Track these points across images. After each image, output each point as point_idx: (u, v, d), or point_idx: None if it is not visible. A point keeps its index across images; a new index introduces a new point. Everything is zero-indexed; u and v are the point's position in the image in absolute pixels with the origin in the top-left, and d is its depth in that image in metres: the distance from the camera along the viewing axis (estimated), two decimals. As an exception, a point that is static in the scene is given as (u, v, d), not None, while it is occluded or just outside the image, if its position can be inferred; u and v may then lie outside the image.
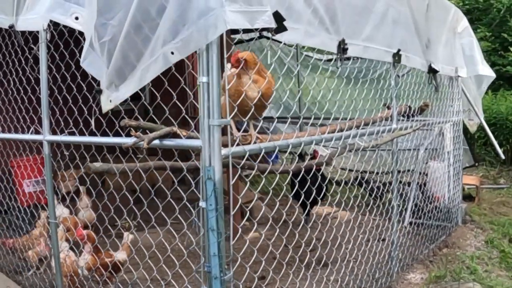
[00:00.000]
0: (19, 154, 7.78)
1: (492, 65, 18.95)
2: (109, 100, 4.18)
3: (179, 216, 4.55)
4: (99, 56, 4.08)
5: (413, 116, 7.59)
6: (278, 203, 5.07)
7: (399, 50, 6.24)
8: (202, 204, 3.62)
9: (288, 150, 5.94)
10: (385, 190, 8.97)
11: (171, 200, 4.40)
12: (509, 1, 19.87)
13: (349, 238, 6.39)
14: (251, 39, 8.79)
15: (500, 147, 15.18)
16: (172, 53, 3.59)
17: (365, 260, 6.63)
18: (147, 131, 4.24)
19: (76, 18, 4.47)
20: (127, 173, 4.58)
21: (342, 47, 5.01)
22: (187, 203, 4.33)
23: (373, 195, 9.06)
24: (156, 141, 4.02)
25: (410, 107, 7.58)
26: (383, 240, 7.31)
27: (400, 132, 6.59)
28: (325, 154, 10.92)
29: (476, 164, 14.21)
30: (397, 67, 6.56)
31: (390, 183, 8.40)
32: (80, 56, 4.48)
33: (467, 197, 11.86)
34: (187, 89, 5.00)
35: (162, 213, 4.42)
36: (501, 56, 19.62)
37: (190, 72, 5.50)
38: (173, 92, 4.49)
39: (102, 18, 3.97)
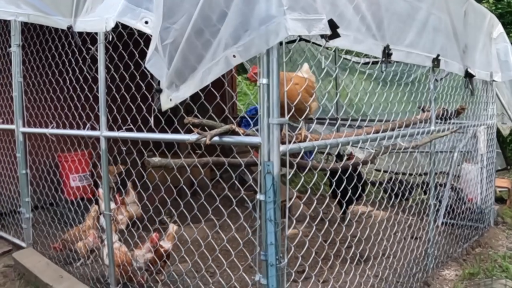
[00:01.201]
0: (66, 148, 8.13)
1: (524, 68, 19.02)
2: (169, 99, 4.46)
3: (223, 211, 4.80)
4: (162, 58, 4.37)
5: (450, 118, 7.78)
6: (315, 202, 5.34)
7: (438, 56, 6.46)
8: (260, 196, 3.90)
9: (326, 151, 6.14)
10: (419, 191, 9.20)
11: (214, 196, 4.69)
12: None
13: (384, 235, 6.66)
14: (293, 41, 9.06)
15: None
16: (234, 56, 3.85)
17: (403, 256, 6.87)
18: (206, 128, 4.52)
19: (146, 22, 4.77)
20: (170, 170, 4.89)
21: (387, 52, 5.25)
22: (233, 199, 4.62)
23: (406, 196, 9.30)
24: (216, 138, 4.31)
25: (446, 110, 7.79)
26: (418, 238, 7.55)
27: (438, 134, 6.81)
28: (360, 156, 11.22)
29: (509, 168, 14.31)
30: (436, 71, 6.80)
31: (424, 184, 8.65)
32: (138, 57, 4.80)
33: (499, 200, 11.99)
34: (229, 90, 5.27)
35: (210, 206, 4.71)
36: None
37: (230, 74, 5.72)
38: (216, 93, 4.81)
39: (165, 22, 4.26)
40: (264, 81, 3.82)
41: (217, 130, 4.30)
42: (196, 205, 5.10)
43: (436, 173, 9.02)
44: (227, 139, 4.36)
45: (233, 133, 4.37)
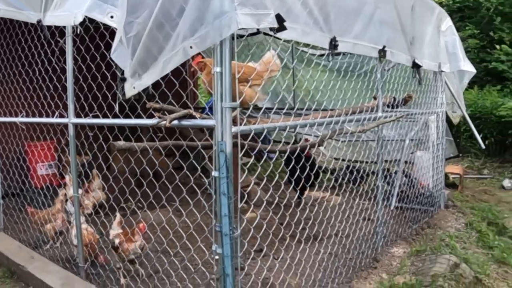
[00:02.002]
0: (36, 137, 8.46)
1: (481, 61, 19.63)
2: (132, 87, 4.87)
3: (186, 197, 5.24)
4: (126, 49, 4.78)
5: (397, 106, 8.24)
6: (271, 188, 5.82)
7: (384, 47, 6.92)
8: (215, 173, 4.35)
9: (284, 139, 6.56)
10: (374, 177, 9.68)
11: (179, 184, 5.13)
12: (497, 0, 20.41)
13: (337, 218, 7.14)
14: (251, 34, 9.44)
15: (485, 140, 16.00)
16: (191, 47, 4.29)
17: (354, 236, 7.36)
18: (166, 113, 4.95)
19: (112, 17, 5.17)
20: (134, 159, 5.32)
21: (333, 44, 5.70)
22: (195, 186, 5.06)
23: (362, 182, 9.79)
24: (175, 121, 4.74)
25: (395, 98, 8.26)
26: (370, 219, 8.05)
27: (385, 120, 7.27)
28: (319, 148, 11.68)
29: (460, 155, 14.86)
30: (383, 61, 7.28)
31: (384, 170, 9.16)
32: (104, 49, 5.22)
33: (452, 185, 12.53)
34: (188, 79, 5.69)
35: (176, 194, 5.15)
36: (489, 53, 20.18)
37: (190, 65, 6.11)
38: (176, 81, 5.25)
39: (129, 17, 4.68)
40: (218, 69, 4.26)
41: (176, 114, 4.73)
42: (163, 193, 5.58)
43: (387, 161, 9.57)
44: (185, 122, 4.79)
45: (191, 117, 4.80)
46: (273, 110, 9.58)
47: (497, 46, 19.28)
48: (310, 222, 6.72)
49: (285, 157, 9.64)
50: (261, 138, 6.35)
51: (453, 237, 8.46)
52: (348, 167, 11.73)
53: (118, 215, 6.75)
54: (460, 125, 16.13)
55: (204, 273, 5.86)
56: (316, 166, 9.34)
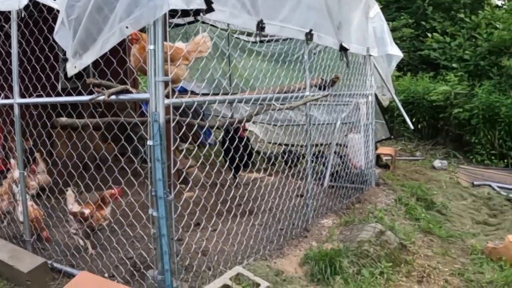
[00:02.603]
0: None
1: (416, 50, 20.33)
2: (74, 66, 5.25)
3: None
4: (68, 31, 5.17)
5: (325, 87, 8.70)
6: (207, 168, 6.31)
7: (311, 30, 7.40)
8: (149, 142, 4.79)
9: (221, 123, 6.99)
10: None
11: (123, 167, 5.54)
12: (431, -9, 21.15)
13: (271, 194, 7.66)
14: (189, 23, 9.80)
15: (418, 123, 16.70)
16: (127, 27, 4.73)
17: (286, 210, 7.85)
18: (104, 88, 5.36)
19: (54, 0, 5.54)
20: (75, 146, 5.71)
21: (260, 26, 6.16)
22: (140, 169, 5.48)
23: (296, 163, 10.26)
24: (113, 97, 5.16)
25: (324, 80, 8.73)
26: (301, 195, 8.54)
27: (311, 98, 7.72)
28: (255, 130, 12.11)
29: (392, 137, 15.45)
30: (310, 44, 7.76)
31: (318, 152, 9.68)
32: (48, 33, 5.59)
33: (385, 166, 13.10)
34: (126, 59, 6.06)
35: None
36: (422, 42, 20.85)
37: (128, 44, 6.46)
38: (113, 59, 5.67)
39: (71, 0, 5.08)
40: (151, 47, 4.71)
41: (114, 89, 5.14)
42: (109, 175, 6.01)
43: (322, 144, 10.05)
44: (123, 96, 5.22)
45: (127, 92, 5.22)
46: (210, 94, 9.98)
47: (429, 35, 19.93)
48: (245, 199, 7.22)
49: (220, 138, 10.06)
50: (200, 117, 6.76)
51: (382, 210, 8.95)
52: (284, 150, 12.21)
53: (70, 190, 7.04)
54: (394, 109, 16.81)
55: (146, 244, 6.32)
56: (250, 147, 9.74)
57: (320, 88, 8.64)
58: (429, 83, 18.07)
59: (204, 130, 11.84)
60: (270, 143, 13.85)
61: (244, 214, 7.59)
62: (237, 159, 8.16)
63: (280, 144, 12.99)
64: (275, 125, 13.22)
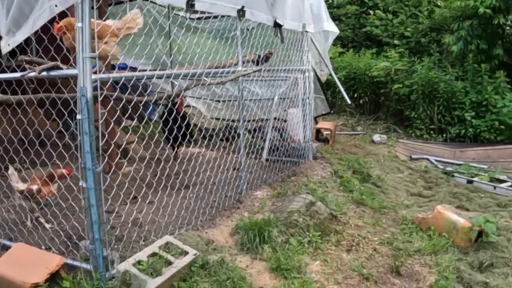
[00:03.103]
0: None
1: (360, 27, 20.60)
2: (7, 44, 5.40)
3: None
4: (1, 10, 5.29)
5: (260, 63, 8.84)
6: (143, 142, 6.49)
7: (243, 7, 7.53)
8: (78, 116, 4.92)
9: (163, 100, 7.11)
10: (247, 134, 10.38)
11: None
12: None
13: (208, 168, 7.83)
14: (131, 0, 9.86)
15: (359, 99, 17.01)
16: (56, 5, 4.89)
17: (219, 182, 8.02)
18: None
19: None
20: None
21: (190, 3, 6.29)
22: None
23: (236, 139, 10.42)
24: (44, 73, 5.28)
25: (259, 56, 8.88)
26: (237, 169, 8.70)
27: (242, 73, 7.86)
28: (198, 106, 12.24)
29: (332, 112, 15.72)
30: (242, 20, 7.90)
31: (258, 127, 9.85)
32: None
33: (324, 141, 13.33)
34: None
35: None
36: (366, 19, 21.12)
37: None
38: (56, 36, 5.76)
39: (3, -20, 5.21)
40: (79, 24, 4.84)
41: (45, 66, 5.26)
42: (47, 153, 6.13)
43: (262, 119, 10.22)
44: (54, 73, 5.35)
45: (58, 68, 5.34)
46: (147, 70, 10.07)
47: (371, 12, 20.20)
48: (183, 173, 7.42)
49: (161, 112, 10.17)
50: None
51: (316, 183, 9.15)
52: (227, 126, 12.36)
53: (11, 168, 7.11)
54: (336, 85, 17.05)
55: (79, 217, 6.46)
56: (187, 120, 9.85)
57: (256, 64, 8.77)
58: (370, 59, 18.39)
59: (150, 109, 11.97)
60: (213, 118, 13.99)
61: (180, 187, 7.74)
62: (175, 133, 8.28)
63: (223, 120, 13.13)
64: (218, 101, 13.35)
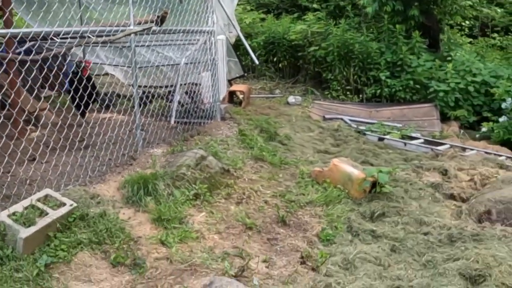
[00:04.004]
0: None
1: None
2: None
3: None
4: None
5: (156, 23, 8.88)
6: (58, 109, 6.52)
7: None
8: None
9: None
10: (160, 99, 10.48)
11: None
12: None
13: (108, 130, 7.95)
14: None
15: (279, 62, 17.17)
16: None
17: (117, 142, 8.11)
18: None
19: None
20: None
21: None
22: None
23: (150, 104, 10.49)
24: None
25: (158, 16, 8.92)
26: (139, 129, 8.77)
27: (133, 30, 7.90)
28: (116, 74, 12.24)
29: (245, 74, 15.86)
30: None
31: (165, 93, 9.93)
32: None
33: (239, 103, 13.44)
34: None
35: None
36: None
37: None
38: None
39: None
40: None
41: None
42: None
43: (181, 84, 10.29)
44: None
45: None
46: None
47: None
48: (87, 136, 7.51)
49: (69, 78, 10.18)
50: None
51: (218, 141, 9.22)
52: (143, 92, 12.41)
53: None
54: (255, 50, 17.19)
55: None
56: (92, 83, 9.88)
57: (156, 24, 8.82)
58: (290, 23, 18.53)
59: (68, 78, 11.95)
60: (130, 85, 14.03)
61: (80, 147, 7.79)
62: (81, 97, 8.33)
63: (140, 86, 13.16)
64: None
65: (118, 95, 12.22)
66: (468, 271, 5.74)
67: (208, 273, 5.48)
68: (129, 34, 7.87)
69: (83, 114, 9.94)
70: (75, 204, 5.93)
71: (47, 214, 5.67)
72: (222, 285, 4.93)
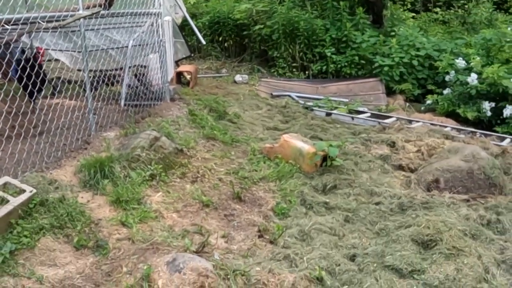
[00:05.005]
0: None
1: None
2: None
3: None
4: None
5: (104, 7, 8.93)
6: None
7: None
8: None
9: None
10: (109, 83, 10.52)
11: None
12: None
13: (61, 116, 7.99)
14: None
15: (224, 42, 17.28)
16: None
17: (70, 127, 8.16)
18: None
19: None
20: None
21: None
22: None
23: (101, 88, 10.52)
24: None
25: (106, 0, 8.98)
26: (94, 114, 8.81)
27: (82, 15, 7.93)
28: (63, 59, 12.21)
29: (192, 55, 15.97)
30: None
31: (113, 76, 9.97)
32: None
33: (187, 84, 13.56)
34: None
35: None
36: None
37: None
38: None
39: None
40: None
41: None
42: None
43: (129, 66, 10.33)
44: None
45: None
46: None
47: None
48: (41, 122, 7.55)
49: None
50: None
51: (169, 121, 9.32)
52: (94, 76, 12.41)
53: None
54: (201, 30, 17.28)
55: None
56: (43, 68, 9.85)
57: (104, 8, 8.87)
58: (234, 2, 18.63)
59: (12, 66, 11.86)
60: (79, 70, 13.98)
61: (35, 134, 7.81)
62: (32, 84, 8.33)
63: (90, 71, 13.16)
64: (80, 52, 13.36)
65: (69, 81, 12.19)
66: (420, 237, 6.03)
67: (170, 250, 5.59)
68: (79, 19, 7.91)
69: (35, 101, 9.96)
70: (34, 190, 5.98)
71: (8, 201, 5.72)
72: (185, 261, 5.05)
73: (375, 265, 5.65)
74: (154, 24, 10.64)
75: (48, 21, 7.30)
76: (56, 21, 7.47)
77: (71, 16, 7.71)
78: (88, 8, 8.40)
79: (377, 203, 7.32)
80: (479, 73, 13.29)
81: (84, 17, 8.04)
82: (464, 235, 6.10)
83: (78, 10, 8.01)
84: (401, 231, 6.25)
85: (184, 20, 14.25)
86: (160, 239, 5.88)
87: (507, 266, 5.73)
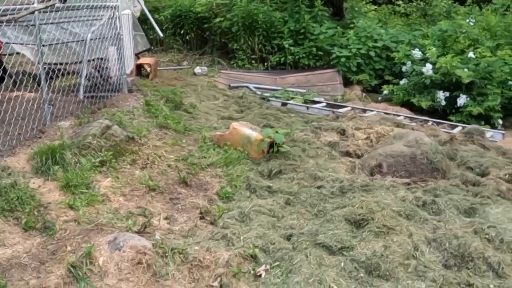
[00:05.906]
0: None
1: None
2: None
3: None
4: None
5: (60, 0, 9.17)
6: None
7: None
8: None
9: None
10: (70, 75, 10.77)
11: None
12: None
13: (16, 105, 8.26)
14: None
15: (186, 35, 17.62)
16: None
17: (27, 116, 8.41)
18: None
19: None
20: None
21: None
22: None
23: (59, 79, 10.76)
24: None
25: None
26: (50, 104, 9.06)
27: (36, 8, 8.17)
28: (24, 52, 12.42)
29: (152, 48, 16.25)
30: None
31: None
32: None
33: (147, 76, 13.81)
34: None
35: None
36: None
37: None
38: None
39: None
40: None
41: None
42: None
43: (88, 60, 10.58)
44: None
45: None
46: None
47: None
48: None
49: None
50: None
51: (124, 112, 9.64)
52: (53, 69, 12.62)
53: None
54: (163, 23, 17.59)
55: None
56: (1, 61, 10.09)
57: (60, 1, 9.10)
58: (195, -5, 18.99)
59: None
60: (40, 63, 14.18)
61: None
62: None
63: (50, 64, 13.35)
64: (44, 46, 13.58)
65: (29, 75, 12.40)
66: (353, 216, 6.33)
67: (113, 231, 5.88)
68: (33, 12, 8.16)
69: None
70: (-16, 177, 6.28)
71: (-40, 190, 6.01)
72: (125, 240, 5.37)
73: (307, 243, 5.93)
74: (112, 17, 10.89)
75: (2, 15, 7.56)
76: (11, 14, 7.74)
77: (26, 9, 7.97)
78: (43, 1, 8.63)
79: (319, 187, 7.59)
80: (434, 64, 13.70)
81: (39, 10, 8.29)
82: (398, 215, 6.38)
83: (32, 3, 8.26)
84: (336, 211, 6.54)
85: (143, 13, 14.53)
86: (105, 220, 6.18)
87: (437, 244, 5.96)
